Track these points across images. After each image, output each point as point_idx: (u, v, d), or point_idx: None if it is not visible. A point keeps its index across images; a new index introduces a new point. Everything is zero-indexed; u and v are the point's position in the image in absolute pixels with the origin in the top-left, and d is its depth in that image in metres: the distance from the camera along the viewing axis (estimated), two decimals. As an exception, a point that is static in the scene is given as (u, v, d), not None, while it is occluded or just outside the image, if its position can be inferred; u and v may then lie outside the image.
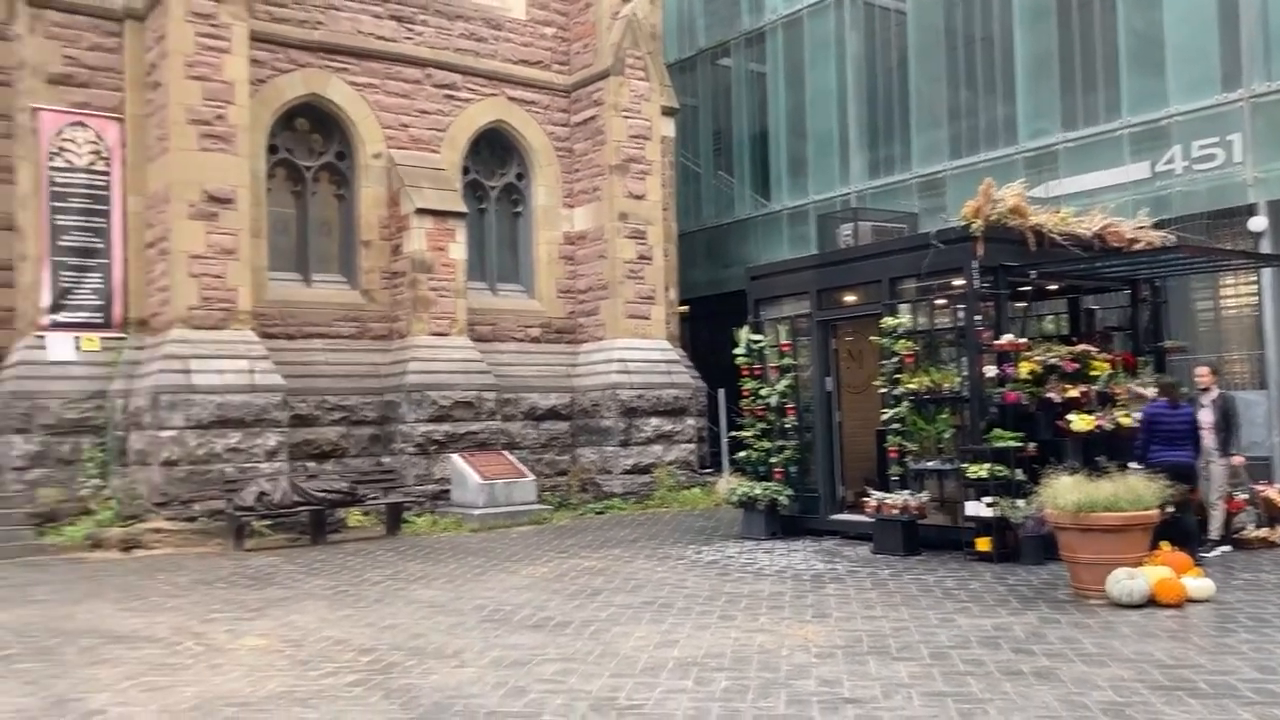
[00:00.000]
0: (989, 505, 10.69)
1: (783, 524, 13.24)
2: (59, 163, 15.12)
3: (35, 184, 15.03)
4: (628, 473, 17.96)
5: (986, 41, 18.74)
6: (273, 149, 16.71)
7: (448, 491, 16.20)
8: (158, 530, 13.76)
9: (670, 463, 18.38)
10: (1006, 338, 11.26)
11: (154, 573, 11.67)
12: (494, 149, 19.05)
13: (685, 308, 21.12)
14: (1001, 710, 5.77)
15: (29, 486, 14.22)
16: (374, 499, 15.03)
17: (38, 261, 14.99)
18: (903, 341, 11.80)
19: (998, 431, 10.93)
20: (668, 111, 20.17)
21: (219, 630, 8.47)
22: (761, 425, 13.54)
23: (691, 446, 18.88)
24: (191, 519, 14.03)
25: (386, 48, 17.58)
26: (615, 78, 18.82)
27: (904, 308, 12.06)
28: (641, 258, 19.01)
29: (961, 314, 11.50)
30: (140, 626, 8.69)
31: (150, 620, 8.94)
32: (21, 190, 15.27)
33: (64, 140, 15.15)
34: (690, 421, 18.92)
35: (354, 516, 15.04)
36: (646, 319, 19.04)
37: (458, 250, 17.40)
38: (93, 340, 15.17)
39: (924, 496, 11.59)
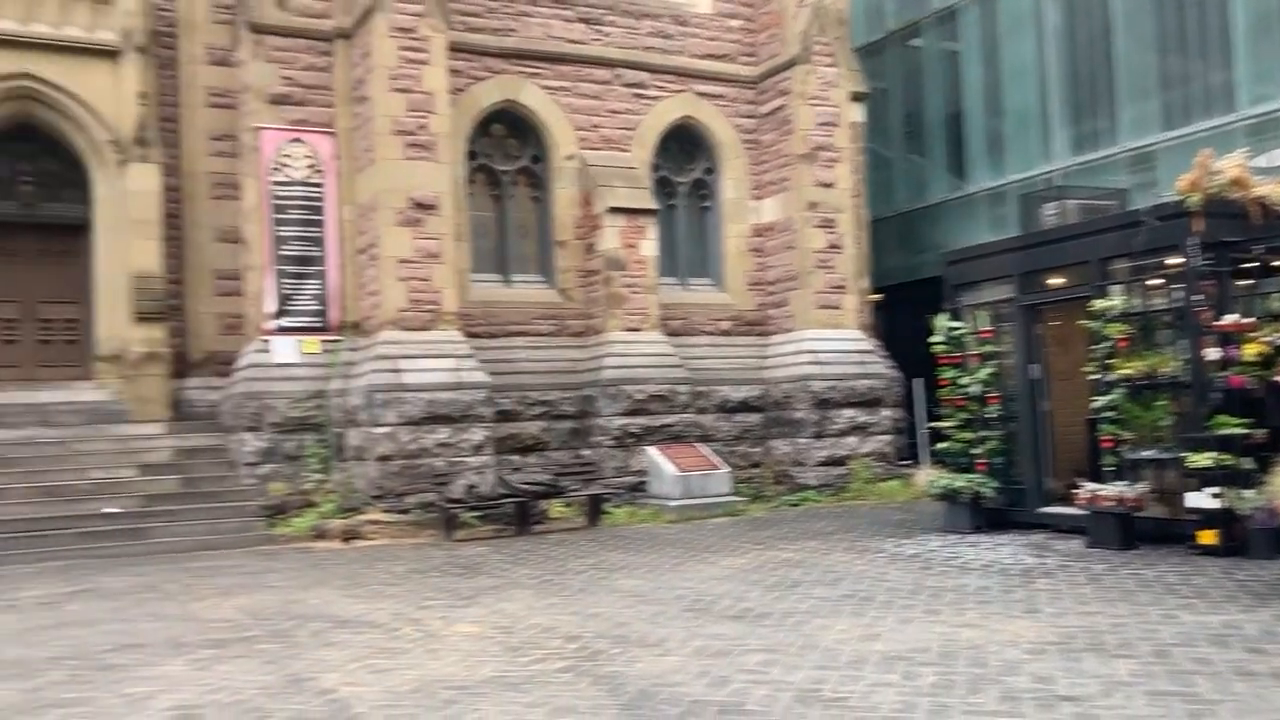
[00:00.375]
0: (1214, 496, 10.07)
1: (987, 517, 12.82)
2: (279, 177, 16.18)
3: (259, 198, 16.14)
4: (822, 465, 17.79)
5: (1200, 3, 17.57)
6: (472, 155, 17.37)
7: (644, 483, 16.46)
8: (374, 522, 14.56)
9: (866, 454, 18.09)
10: (1230, 318, 10.55)
11: (373, 562, 12.35)
12: (682, 144, 19.20)
13: (879, 296, 20.70)
14: (1235, 712, 5.43)
15: (260, 481, 15.30)
16: (574, 491, 15.45)
17: (262, 271, 16.10)
18: (1115, 325, 11.24)
19: (1222, 418, 10.27)
20: (857, 97, 19.79)
21: (434, 617, 8.88)
22: (962, 415, 13.16)
23: (888, 438, 18.53)
24: (405, 511, 14.77)
25: (577, 50, 17.98)
26: (802, 66, 18.65)
27: (1115, 289, 11.48)
28: (832, 247, 18.78)
29: (1179, 294, 10.86)
30: (363, 612, 9.21)
31: (371, 606, 9.47)
32: (247, 205, 16.43)
33: (283, 156, 16.20)
34: (886, 412, 18.57)
35: (556, 508, 15.47)
36: (838, 309, 18.80)
37: (649, 247, 17.65)
38: (313, 343, 16.19)
39: (1141, 487, 11.01)
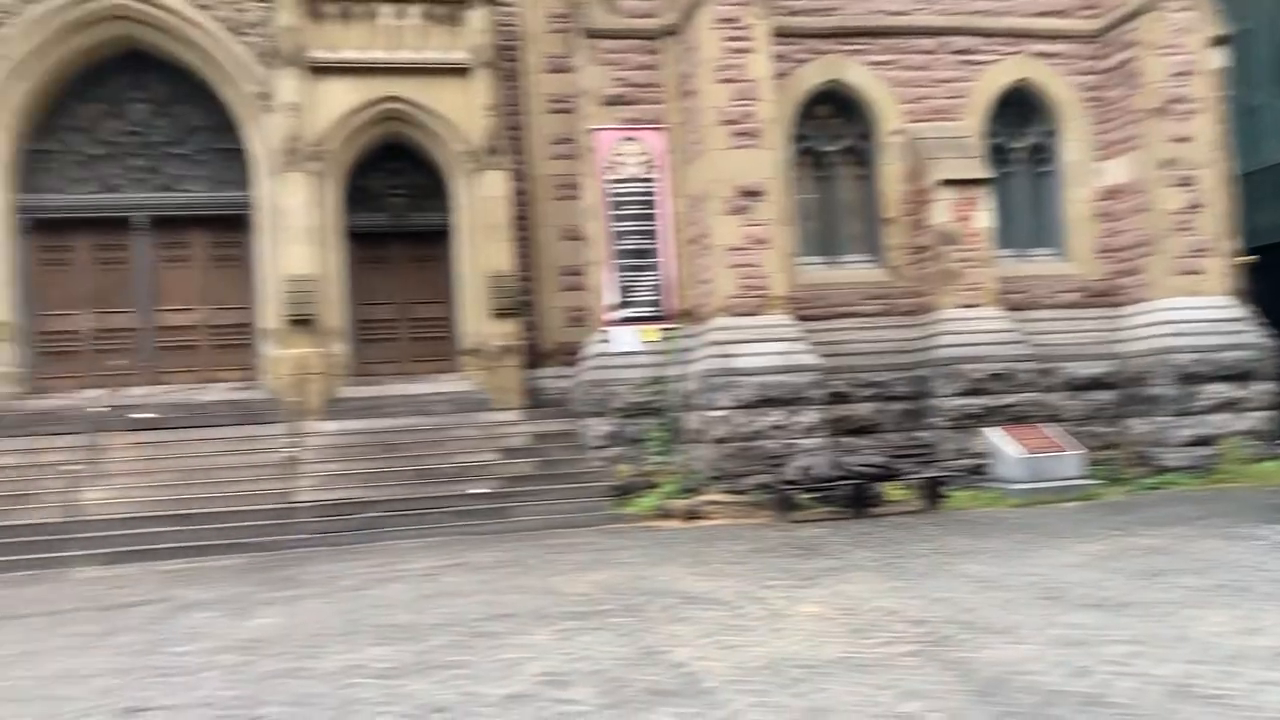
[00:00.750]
0: None
1: (1391, 501, 11.36)
2: (614, 175, 16.98)
3: (597, 196, 17.02)
4: (1185, 445, 16.40)
5: None
6: (798, 138, 17.41)
7: (984, 466, 15.86)
8: (713, 502, 14.99)
9: (1237, 433, 16.47)
10: None
11: (713, 541, 12.72)
12: (1016, 108, 18.24)
13: (1251, 258, 18.72)
14: None
15: (607, 463, 16.16)
16: (910, 473, 15.15)
17: (601, 265, 16.97)
18: None
19: None
20: (1216, 41, 17.95)
21: (777, 596, 9.04)
22: (1357, 387, 11.70)
23: (1264, 414, 16.76)
24: (742, 492, 15.09)
25: (900, 22, 17.56)
26: (1150, 14, 17.20)
27: None
28: (1191, 206, 17.21)
29: None
30: (708, 590, 9.53)
31: (716, 584, 9.77)
32: (586, 203, 17.37)
33: (617, 155, 16.98)
34: (1261, 386, 16.81)
35: (892, 490, 15.23)
36: (1200, 274, 17.21)
37: (983, 218, 16.96)
38: (651, 332, 16.89)
39: None
